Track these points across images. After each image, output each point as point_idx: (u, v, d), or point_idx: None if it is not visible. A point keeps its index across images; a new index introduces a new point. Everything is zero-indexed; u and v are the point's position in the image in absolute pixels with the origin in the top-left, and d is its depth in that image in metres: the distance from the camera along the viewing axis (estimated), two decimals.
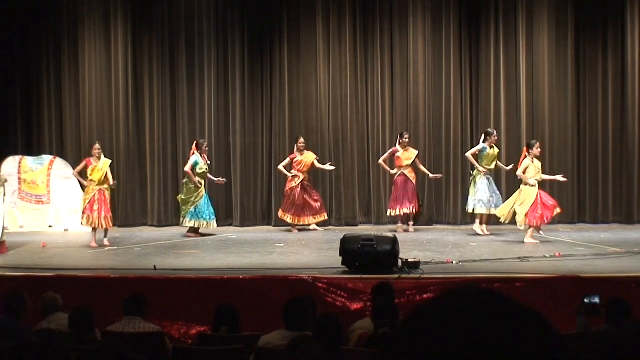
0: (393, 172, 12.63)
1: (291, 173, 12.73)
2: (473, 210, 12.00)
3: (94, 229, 11.19)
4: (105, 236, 11.31)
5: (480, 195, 11.87)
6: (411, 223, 12.68)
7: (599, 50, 13.63)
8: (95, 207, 11.16)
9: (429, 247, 10.57)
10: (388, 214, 12.81)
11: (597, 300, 5.71)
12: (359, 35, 13.87)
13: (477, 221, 11.99)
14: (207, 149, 12.42)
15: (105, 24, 14.01)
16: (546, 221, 11.14)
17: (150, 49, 14.02)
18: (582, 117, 13.72)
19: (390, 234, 8.82)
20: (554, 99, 13.65)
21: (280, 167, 12.90)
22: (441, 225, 13.41)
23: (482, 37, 13.75)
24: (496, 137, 12.15)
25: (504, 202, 11.65)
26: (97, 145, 11.41)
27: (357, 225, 13.52)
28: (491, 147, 11.99)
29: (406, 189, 12.55)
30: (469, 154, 12.16)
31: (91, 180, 11.22)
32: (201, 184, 12.22)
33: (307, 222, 12.78)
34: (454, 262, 9.10)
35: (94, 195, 11.17)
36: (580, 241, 10.97)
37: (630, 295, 6.70)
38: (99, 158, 11.27)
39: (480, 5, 13.76)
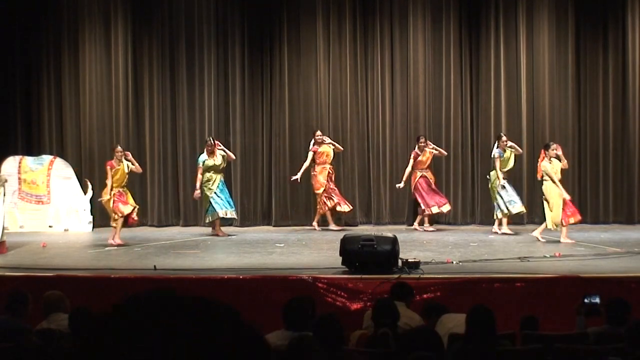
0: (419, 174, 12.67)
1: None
2: (509, 212, 12.00)
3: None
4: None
5: (510, 196, 11.96)
6: (416, 222, 12.78)
7: (600, 49, 13.62)
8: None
9: (429, 247, 10.57)
10: (427, 212, 12.67)
11: (597, 300, 5.71)
12: (359, 35, 13.87)
13: (504, 221, 11.99)
14: (209, 146, 12.22)
15: (105, 24, 14.01)
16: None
17: (150, 50, 14.02)
18: (583, 116, 13.71)
19: (390, 234, 8.81)
20: (554, 99, 13.65)
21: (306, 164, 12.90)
22: (441, 225, 13.39)
23: (482, 37, 13.74)
24: (505, 141, 12.11)
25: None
26: (119, 148, 11.40)
27: (357, 225, 13.52)
28: (504, 150, 12.02)
29: (433, 188, 12.63)
30: (497, 168, 12.06)
31: (113, 182, 11.21)
32: (211, 179, 12.25)
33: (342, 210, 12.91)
34: (454, 262, 9.10)
35: (116, 196, 11.19)
36: (580, 241, 10.97)
37: (630, 295, 6.69)
38: (121, 161, 11.26)
39: (480, 5, 13.75)
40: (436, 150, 12.77)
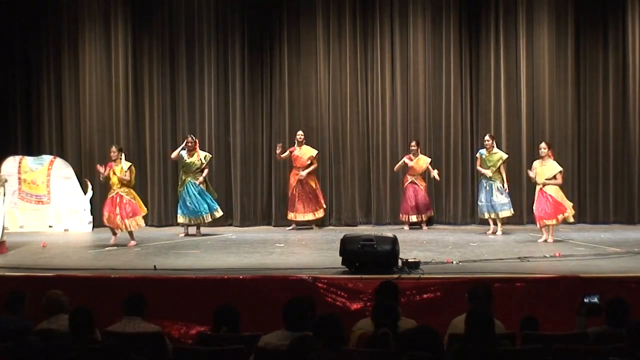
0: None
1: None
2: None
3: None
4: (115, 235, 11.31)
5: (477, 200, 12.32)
6: (424, 225, 13.00)
7: (600, 50, 13.62)
8: (106, 209, 11.24)
9: (429, 247, 10.57)
10: (401, 218, 13.06)
11: (597, 300, 5.71)
12: (359, 35, 13.87)
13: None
14: (190, 144, 12.26)
15: (105, 24, 14.02)
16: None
17: (150, 49, 14.03)
18: (583, 117, 13.70)
19: (390, 234, 8.81)
20: (554, 99, 13.64)
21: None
22: (441, 225, 13.41)
23: (482, 37, 13.74)
24: (487, 141, 12.11)
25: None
26: (113, 148, 11.35)
27: (357, 225, 13.54)
28: (490, 152, 12.04)
29: (416, 199, 12.71)
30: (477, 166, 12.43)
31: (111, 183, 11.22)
32: (182, 179, 12.39)
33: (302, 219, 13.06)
34: (454, 262, 9.10)
35: (109, 197, 11.21)
36: (580, 241, 10.98)
37: (630, 295, 6.69)
38: (114, 160, 11.21)
39: (480, 5, 13.75)
40: (431, 170, 12.85)
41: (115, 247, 10.97)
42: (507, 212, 12.01)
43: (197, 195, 12.26)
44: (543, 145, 11.34)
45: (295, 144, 13.10)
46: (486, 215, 12.12)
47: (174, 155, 12.59)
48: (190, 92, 13.98)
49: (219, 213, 12.48)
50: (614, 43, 13.60)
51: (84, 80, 13.99)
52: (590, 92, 13.67)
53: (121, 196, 11.13)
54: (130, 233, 11.22)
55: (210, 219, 12.43)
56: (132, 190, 11.28)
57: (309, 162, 12.98)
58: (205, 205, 12.29)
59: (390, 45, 13.83)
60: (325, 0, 13.85)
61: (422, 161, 12.88)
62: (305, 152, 13.02)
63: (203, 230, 12.55)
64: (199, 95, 13.98)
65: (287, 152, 13.06)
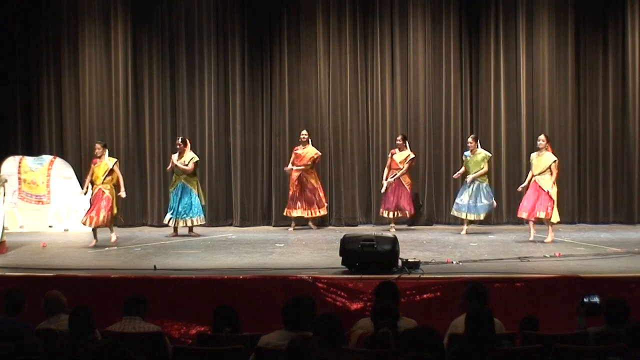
0: (390, 179, 12.74)
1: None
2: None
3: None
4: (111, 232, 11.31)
5: (457, 198, 12.36)
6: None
7: (599, 50, 13.61)
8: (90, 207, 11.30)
9: (429, 247, 10.58)
10: (380, 214, 12.99)
11: (597, 300, 5.72)
12: (359, 35, 13.86)
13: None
14: (179, 146, 12.48)
15: (105, 24, 14.01)
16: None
17: (150, 49, 14.03)
18: (582, 117, 13.70)
19: (390, 234, 8.83)
20: (554, 99, 13.64)
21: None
22: (441, 225, 13.41)
23: (482, 37, 13.73)
24: (469, 143, 12.22)
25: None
26: (97, 145, 11.45)
27: (357, 225, 13.53)
28: (474, 153, 12.12)
29: (399, 193, 12.66)
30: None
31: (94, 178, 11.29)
32: (172, 179, 12.54)
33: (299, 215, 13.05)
34: (454, 262, 9.11)
35: (92, 195, 11.25)
36: (580, 241, 10.98)
37: (630, 295, 6.70)
38: (100, 157, 11.27)
39: (480, 6, 13.74)
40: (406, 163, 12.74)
41: (116, 247, 10.98)
42: (487, 213, 12.19)
43: (180, 199, 12.24)
44: (542, 137, 11.38)
45: (300, 144, 13.08)
46: (463, 215, 12.12)
47: (168, 168, 12.75)
48: (190, 92, 13.98)
49: (197, 222, 12.36)
50: (614, 43, 13.59)
51: (84, 80, 13.99)
52: (590, 92, 13.66)
53: (103, 192, 11.17)
54: (109, 227, 11.27)
55: (189, 224, 12.33)
56: (114, 188, 11.29)
57: (310, 162, 12.96)
58: (187, 210, 12.24)
59: (390, 45, 13.82)
60: (325, 1, 13.85)
61: (402, 155, 12.83)
62: (308, 152, 13.00)
63: (203, 230, 12.54)
64: (199, 95, 13.98)
65: (293, 156, 13.04)
